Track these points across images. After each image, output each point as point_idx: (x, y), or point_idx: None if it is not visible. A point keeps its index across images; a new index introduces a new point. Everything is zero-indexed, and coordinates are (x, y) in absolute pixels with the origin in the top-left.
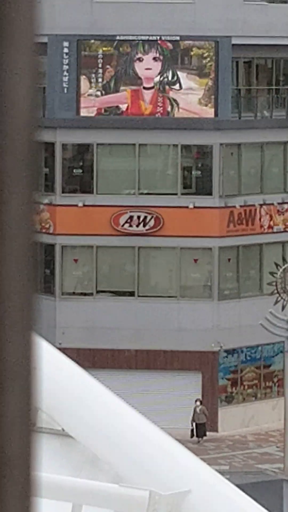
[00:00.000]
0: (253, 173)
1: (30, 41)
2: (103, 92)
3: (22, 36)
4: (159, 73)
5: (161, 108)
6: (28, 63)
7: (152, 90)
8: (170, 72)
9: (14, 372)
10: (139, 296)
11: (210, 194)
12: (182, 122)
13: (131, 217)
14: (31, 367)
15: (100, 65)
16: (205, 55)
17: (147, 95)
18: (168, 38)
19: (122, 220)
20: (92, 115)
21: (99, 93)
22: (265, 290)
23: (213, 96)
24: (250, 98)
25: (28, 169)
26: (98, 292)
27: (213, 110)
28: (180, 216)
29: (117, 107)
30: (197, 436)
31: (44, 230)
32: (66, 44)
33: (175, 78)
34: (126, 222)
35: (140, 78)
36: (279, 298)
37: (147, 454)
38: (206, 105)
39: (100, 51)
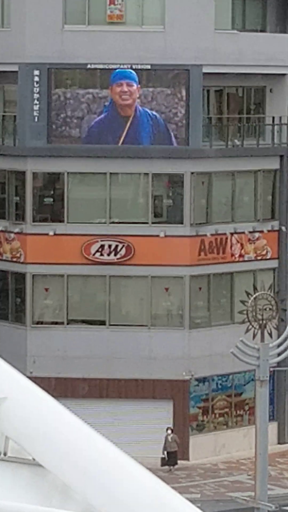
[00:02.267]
0: (224, 201)
1: None
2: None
3: None
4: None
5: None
6: None
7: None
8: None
9: None
10: (110, 325)
11: (181, 222)
12: (153, 151)
13: (102, 246)
14: None
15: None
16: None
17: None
18: (139, 66)
19: (93, 249)
20: (63, 144)
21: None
22: (236, 318)
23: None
24: (221, 126)
25: None
26: (69, 321)
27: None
28: (151, 245)
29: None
30: (168, 464)
31: (15, 259)
32: (36, 72)
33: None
34: (97, 251)
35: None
36: (250, 327)
37: (118, 483)
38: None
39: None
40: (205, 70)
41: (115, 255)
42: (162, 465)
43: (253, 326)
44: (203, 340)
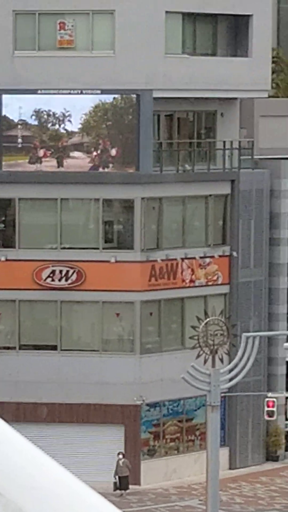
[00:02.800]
0: (175, 227)
1: None
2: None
3: None
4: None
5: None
6: None
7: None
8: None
9: None
10: (62, 350)
11: (132, 248)
12: (103, 176)
13: (53, 272)
14: None
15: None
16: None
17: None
18: (90, 91)
19: (44, 274)
20: (14, 169)
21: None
22: (187, 344)
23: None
24: (171, 151)
25: None
26: (21, 346)
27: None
28: (102, 270)
29: (40, 161)
30: (120, 489)
31: None
32: None
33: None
34: (48, 276)
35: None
36: (201, 352)
37: (71, 508)
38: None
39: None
40: (155, 94)
41: (66, 280)
42: (114, 489)
43: (204, 351)
44: (154, 365)
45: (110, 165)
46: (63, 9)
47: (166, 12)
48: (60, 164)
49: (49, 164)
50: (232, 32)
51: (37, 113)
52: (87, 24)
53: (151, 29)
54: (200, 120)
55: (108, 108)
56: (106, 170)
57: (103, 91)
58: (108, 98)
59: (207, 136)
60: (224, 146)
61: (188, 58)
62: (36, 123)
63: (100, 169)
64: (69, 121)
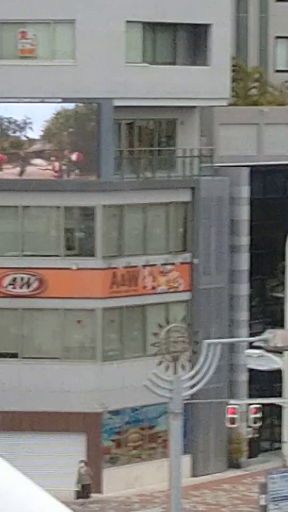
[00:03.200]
0: (136, 234)
1: None
2: None
3: None
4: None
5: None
6: None
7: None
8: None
9: None
10: (23, 357)
11: (93, 255)
12: (65, 184)
13: (14, 279)
14: None
15: None
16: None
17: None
18: (51, 100)
19: (5, 281)
20: None
21: None
22: (148, 351)
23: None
24: (132, 159)
25: None
26: None
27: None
28: (63, 278)
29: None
30: (82, 497)
31: None
32: None
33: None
34: (9, 284)
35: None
36: (163, 359)
37: None
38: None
39: None
40: (116, 103)
41: (27, 287)
42: (76, 498)
43: (165, 358)
44: (116, 373)
45: (72, 173)
46: (24, 18)
47: (127, 21)
48: (22, 172)
49: (10, 172)
50: (192, 41)
51: None
52: (48, 33)
53: (112, 38)
54: (161, 128)
55: (70, 115)
56: (68, 178)
57: (64, 100)
58: (70, 106)
59: (168, 144)
60: (184, 153)
61: (148, 67)
62: None
63: (65, 176)
64: (30, 128)
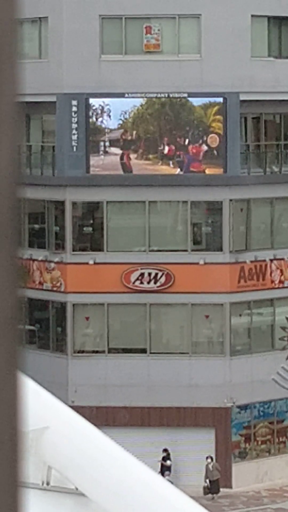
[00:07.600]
0: (263, 228)
1: (11, 102)
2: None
3: (2, 96)
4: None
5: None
6: (8, 123)
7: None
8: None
9: None
10: (151, 353)
11: (221, 250)
12: (191, 178)
13: (142, 274)
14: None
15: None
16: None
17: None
18: (176, 95)
19: (133, 277)
20: (102, 173)
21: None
22: (277, 345)
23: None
24: (259, 153)
25: (11, 226)
26: (110, 349)
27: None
28: (190, 273)
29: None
30: (211, 492)
31: (55, 289)
32: (74, 102)
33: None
34: (137, 279)
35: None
36: None
37: None
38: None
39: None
40: (242, 97)
41: (155, 283)
42: (205, 493)
43: None
44: (244, 367)
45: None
46: (149, 13)
47: (252, 16)
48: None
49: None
50: None
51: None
52: (173, 28)
53: (237, 33)
54: (287, 122)
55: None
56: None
57: (190, 95)
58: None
59: None
60: None
61: (273, 61)
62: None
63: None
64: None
